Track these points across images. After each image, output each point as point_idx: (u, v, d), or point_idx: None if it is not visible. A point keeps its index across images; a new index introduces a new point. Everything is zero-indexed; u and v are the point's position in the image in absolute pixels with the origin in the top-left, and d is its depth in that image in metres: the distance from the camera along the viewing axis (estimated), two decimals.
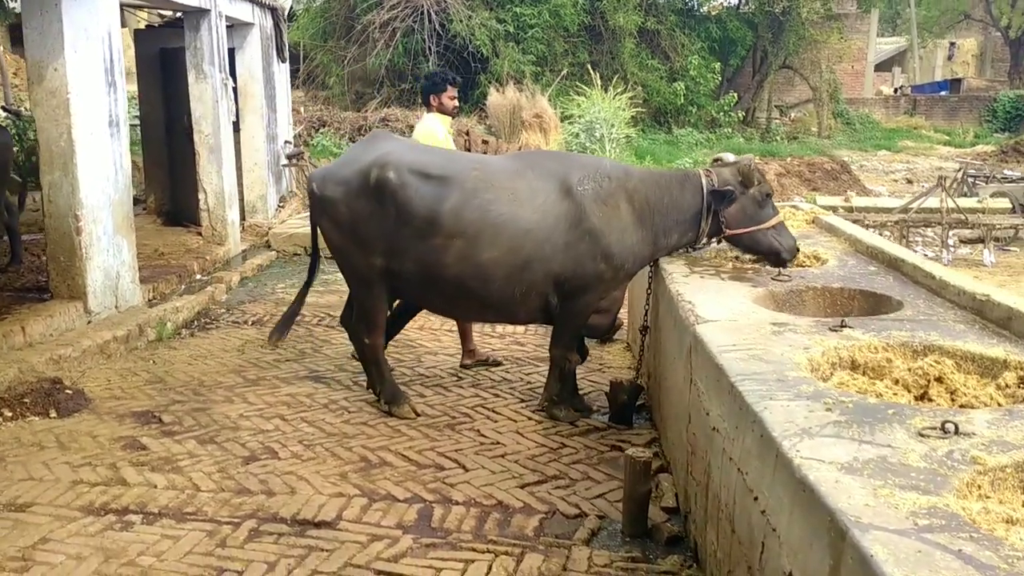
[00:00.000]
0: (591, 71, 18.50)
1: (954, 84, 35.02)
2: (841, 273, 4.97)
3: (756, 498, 2.73)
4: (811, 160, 18.15)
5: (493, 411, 5.61)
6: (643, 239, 5.23)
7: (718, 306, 4.18)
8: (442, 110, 6.37)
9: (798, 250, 5.22)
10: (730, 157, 5.69)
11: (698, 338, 3.74)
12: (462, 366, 6.52)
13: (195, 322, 7.76)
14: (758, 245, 5.25)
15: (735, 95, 25.65)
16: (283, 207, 12.43)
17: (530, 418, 5.49)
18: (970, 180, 15.11)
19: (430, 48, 21.44)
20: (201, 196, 10.01)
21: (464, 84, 22.44)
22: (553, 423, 5.40)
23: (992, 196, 13.37)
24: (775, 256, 5.17)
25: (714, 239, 5.38)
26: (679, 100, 23.35)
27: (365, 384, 5.86)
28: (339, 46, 22.86)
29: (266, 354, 6.81)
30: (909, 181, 19.37)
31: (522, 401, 5.80)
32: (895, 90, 35.28)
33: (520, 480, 4.58)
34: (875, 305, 4.47)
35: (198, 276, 9.14)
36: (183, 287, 8.70)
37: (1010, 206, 12.62)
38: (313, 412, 5.56)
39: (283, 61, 12.53)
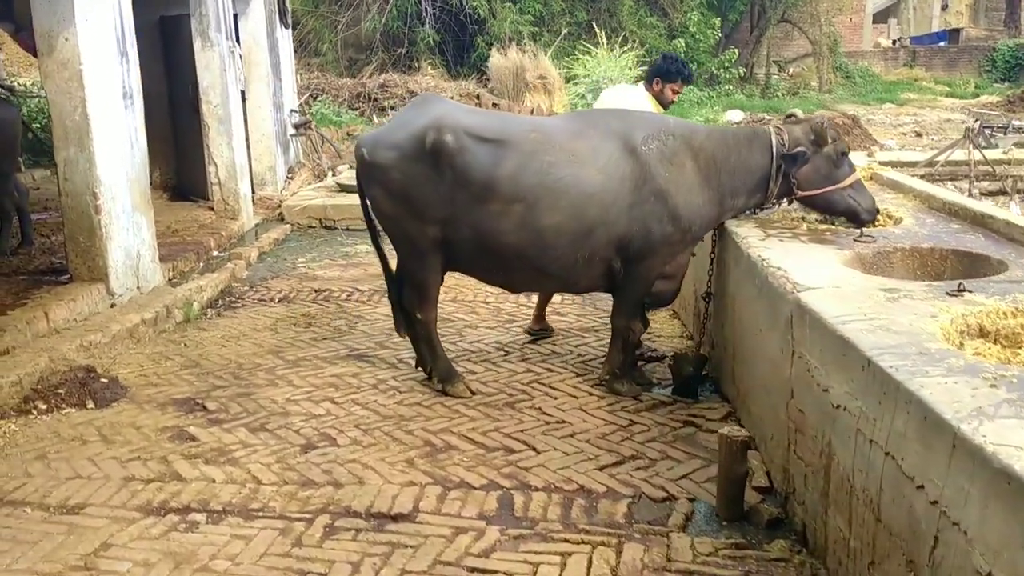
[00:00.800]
0: (596, 29, 18.06)
1: (952, 34, 34.58)
2: (924, 232, 4.70)
3: (921, 486, 2.47)
4: (835, 114, 17.77)
5: (550, 387, 5.35)
6: (710, 200, 4.96)
7: (811, 271, 3.91)
8: (660, 98, 5.94)
9: (878, 210, 4.95)
10: (800, 114, 5.38)
11: (804, 307, 3.47)
12: (527, 331, 6.32)
13: (219, 301, 7.45)
14: (834, 206, 4.98)
15: (735, 51, 25.23)
16: (292, 178, 12.06)
17: (591, 393, 5.23)
18: (987, 132, 14.80)
19: (426, 11, 20.95)
20: (211, 169, 9.65)
21: (460, 46, 22.15)
22: (616, 398, 5.15)
23: (1015, 146, 13.07)
24: (854, 216, 4.91)
25: (784, 200, 5.10)
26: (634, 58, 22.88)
27: (413, 362, 5.58)
28: (331, 11, 22.31)
29: (301, 332, 6.52)
30: (918, 134, 19.05)
31: (578, 375, 5.53)
32: (893, 42, 34.84)
33: (596, 462, 4.32)
34: (972, 266, 4.20)
35: (215, 253, 8.81)
36: (201, 264, 8.37)
37: None
38: (363, 393, 5.28)
39: (286, 27, 12.11)
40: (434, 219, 4.86)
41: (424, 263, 5.05)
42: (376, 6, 20.94)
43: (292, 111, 12.43)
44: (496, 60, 17.36)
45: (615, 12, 23.11)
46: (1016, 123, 15.54)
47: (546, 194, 4.78)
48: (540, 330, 6.32)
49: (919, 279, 4.23)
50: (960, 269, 4.25)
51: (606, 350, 5.96)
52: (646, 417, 4.89)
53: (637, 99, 5.91)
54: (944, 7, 45.12)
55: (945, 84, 28.50)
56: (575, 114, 5.67)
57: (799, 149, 4.90)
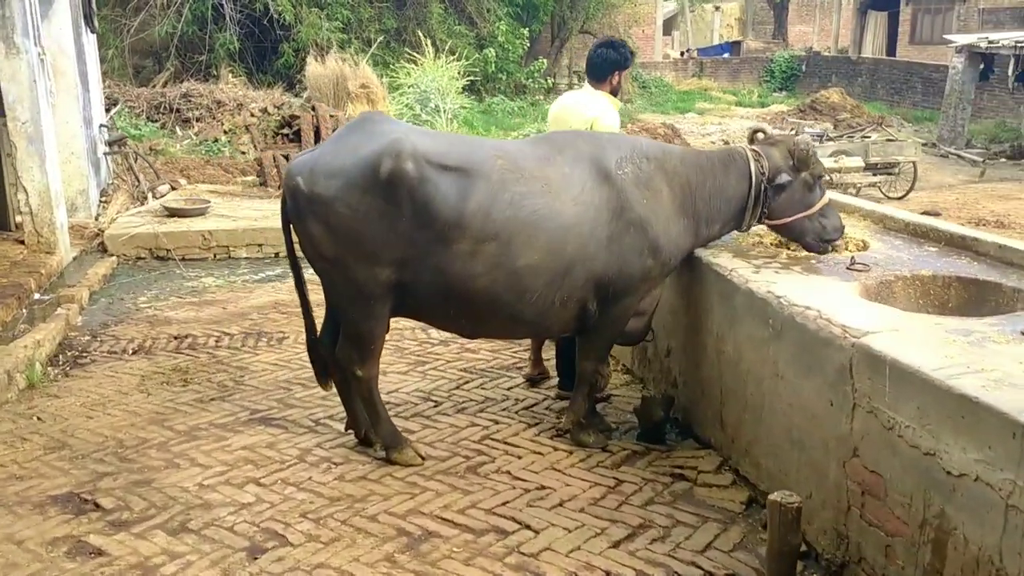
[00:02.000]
0: (420, 37, 17.46)
1: (735, 46, 36.62)
2: (904, 257, 4.47)
3: None
4: (644, 125, 18.06)
5: (507, 443, 4.73)
6: (686, 228, 4.50)
7: (844, 310, 3.53)
8: (615, 91, 5.23)
9: (843, 231, 4.68)
10: (769, 130, 5.01)
11: (879, 356, 3.07)
12: (527, 378, 5.66)
13: (60, 357, 6.23)
14: (804, 233, 4.63)
15: (544, 61, 25.36)
16: (107, 203, 10.64)
17: (556, 448, 4.66)
18: None
19: (226, 15, 19.52)
20: (21, 197, 8.23)
21: (263, 53, 20.84)
22: (586, 452, 4.61)
23: (832, 155, 13.68)
24: (819, 243, 4.61)
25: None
26: (490, 67, 22.69)
27: (343, 425, 4.79)
28: (116, 14, 20.33)
29: (179, 393, 5.51)
30: (725, 142, 19.79)
31: (530, 426, 4.94)
32: (681, 53, 36.43)
33: (607, 537, 3.76)
34: (980, 294, 4.00)
35: (36, 295, 7.48)
36: (24, 312, 7.05)
37: (862, 164, 12.95)
38: (291, 470, 4.43)
39: (92, 31, 10.67)
40: (388, 261, 4.12)
41: (370, 311, 4.28)
42: (172, 9, 19.28)
43: (102, 126, 10.99)
44: (314, 69, 16.32)
45: (424, 20, 22.59)
46: (833, 132, 16.37)
47: (521, 230, 4.16)
48: (539, 374, 5.66)
49: (922, 309, 3.98)
50: (967, 297, 4.03)
51: (541, 392, 5.46)
52: (629, 473, 4.37)
53: (601, 105, 5.19)
54: (716, 21, 47.85)
55: (732, 93, 30.03)
56: (538, 138, 5.00)
57: (783, 179, 4.54)
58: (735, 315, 4.16)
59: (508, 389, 5.54)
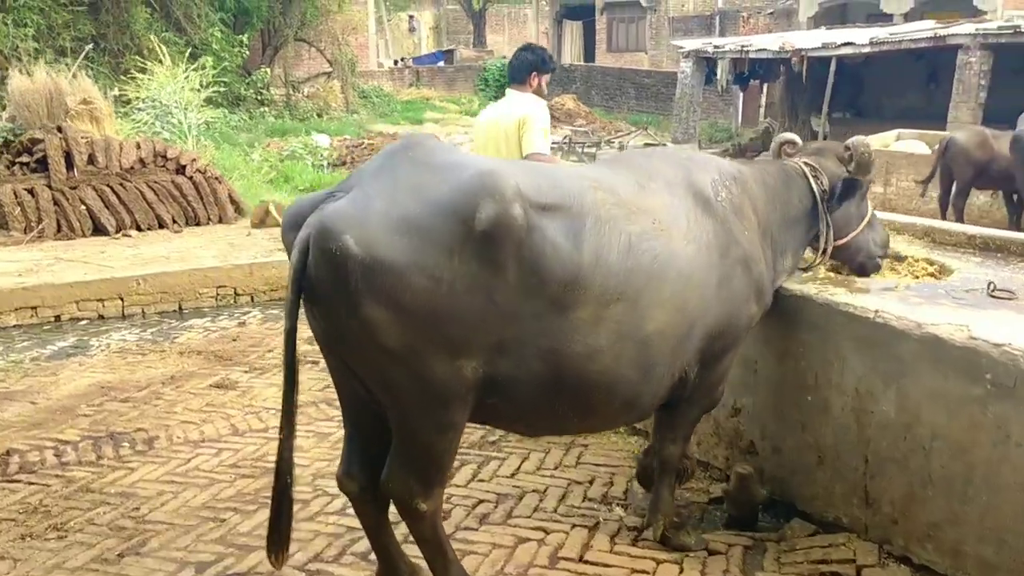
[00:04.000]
0: (157, 46, 15.15)
1: (448, 55, 36.39)
2: (1006, 276, 3.90)
3: None
4: (395, 135, 16.91)
5: (587, 562, 3.57)
6: (768, 263, 3.64)
7: None
8: (540, 94, 5.04)
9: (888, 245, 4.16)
10: (796, 139, 4.20)
11: None
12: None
13: None
14: (859, 251, 4.05)
15: (267, 71, 23.43)
16: None
17: (654, 559, 3.58)
18: (578, 148, 15.27)
19: None
20: None
21: None
22: (690, 557, 3.58)
23: None
24: (872, 262, 4.08)
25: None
26: (207, 78, 20.45)
27: None
28: None
29: (60, 552, 3.73)
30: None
31: (591, 529, 3.82)
32: (395, 62, 35.56)
33: None
34: None
35: None
36: None
37: None
38: None
39: None
40: (481, 348, 2.82)
41: (447, 421, 2.92)
42: None
43: None
44: (19, 83, 13.44)
45: (126, 26, 19.90)
46: (608, 139, 16.29)
47: (647, 284, 3.04)
48: None
49: None
50: None
51: (565, 474, 4.37)
52: None
53: (529, 102, 4.94)
54: (412, 30, 47.75)
55: (452, 102, 29.68)
56: (610, 161, 3.83)
57: (847, 189, 3.81)
58: (901, 368, 3.33)
59: (532, 473, 4.36)
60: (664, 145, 15.72)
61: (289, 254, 2.78)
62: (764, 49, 18.80)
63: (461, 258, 2.70)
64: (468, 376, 2.83)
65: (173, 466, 4.60)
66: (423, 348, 2.76)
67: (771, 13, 30.62)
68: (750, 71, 20.43)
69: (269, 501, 3.00)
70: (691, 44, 21.48)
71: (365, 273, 2.64)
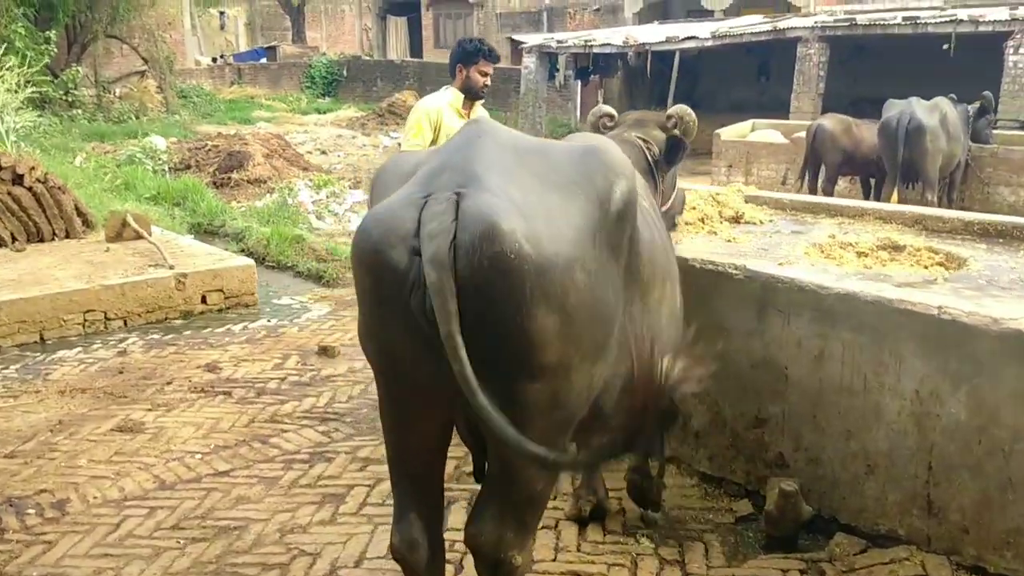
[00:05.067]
0: None
1: (270, 52, 34.73)
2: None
3: None
4: (263, 135, 15.80)
5: None
6: None
7: None
8: (466, 87, 4.90)
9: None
10: (611, 111, 4.02)
11: None
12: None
13: None
14: (673, 216, 4.14)
15: (78, 69, 21.48)
16: None
17: None
18: None
19: None
20: None
21: None
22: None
23: None
24: (673, 225, 4.14)
25: None
26: (25, 76, 18.50)
27: None
28: None
29: None
30: (323, 152, 18.36)
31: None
32: (213, 59, 33.57)
33: None
34: None
35: None
36: None
37: None
38: None
39: None
40: (610, 346, 2.57)
41: (561, 448, 2.55)
42: None
43: None
44: None
45: None
46: None
47: (661, 261, 3.12)
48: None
49: None
50: None
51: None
52: None
53: (425, 100, 5.08)
54: (222, 26, 45.58)
55: (279, 100, 28.33)
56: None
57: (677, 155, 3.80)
58: (975, 367, 3.10)
59: None
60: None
61: (376, 274, 2.32)
62: (608, 44, 18.92)
63: (597, 245, 2.44)
64: (595, 388, 2.52)
65: (101, 535, 3.82)
66: (572, 358, 2.38)
67: (597, 9, 31.14)
68: (593, 66, 20.53)
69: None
70: (533, 39, 21.39)
71: (539, 276, 2.25)
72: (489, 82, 4.93)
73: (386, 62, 31.54)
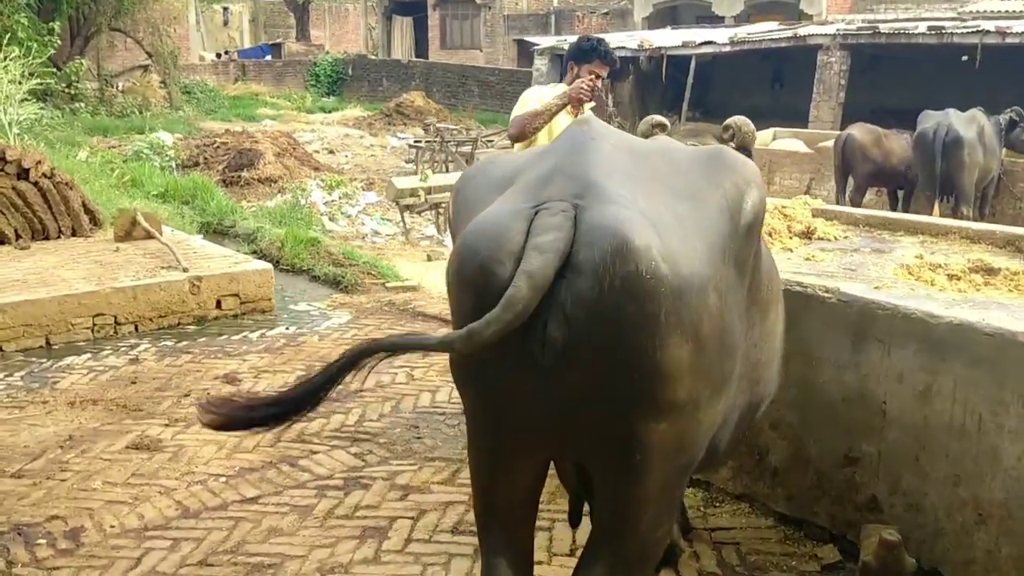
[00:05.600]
0: None
1: (275, 49, 34.40)
2: None
3: None
4: (273, 133, 15.41)
5: None
6: None
7: None
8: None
9: None
10: (664, 121, 3.87)
11: None
12: None
13: None
14: None
15: (82, 62, 21.10)
16: None
17: None
18: (451, 146, 14.44)
19: None
20: None
21: None
22: None
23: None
24: None
25: None
26: (28, 67, 18.14)
27: None
28: None
29: None
30: (331, 152, 18.01)
31: None
32: (217, 55, 33.21)
33: None
34: None
35: None
36: None
37: None
38: None
39: None
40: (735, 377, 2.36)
41: (682, 491, 2.41)
42: None
43: None
44: None
45: None
46: (488, 137, 15.48)
47: None
48: None
49: None
50: None
51: None
52: None
53: (539, 90, 4.75)
54: (225, 23, 45.23)
55: (284, 98, 27.99)
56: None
57: None
58: None
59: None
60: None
61: (482, 295, 1.99)
62: (622, 47, 18.59)
63: (727, 262, 2.18)
64: (716, 426, 2.27)
65: (121, 571, 3.46)
66: (702, 393, 2.09)
67: (606, 13, 30.88)
68: None
69: None
70: (545, 41, 21.07)
71: (675, 300, 1.96)
72: (600, 85, 4.62)
73: (392, 62, 31.19)
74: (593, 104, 4.67)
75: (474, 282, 2.00)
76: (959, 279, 3.80)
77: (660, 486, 2.08)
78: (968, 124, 9.43)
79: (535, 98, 4.55)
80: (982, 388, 3.05)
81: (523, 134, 4.51)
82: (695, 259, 2.02)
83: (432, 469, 4.34)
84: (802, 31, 16.22)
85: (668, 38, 18.59)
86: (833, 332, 3.39)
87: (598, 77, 4.52)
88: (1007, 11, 17.98)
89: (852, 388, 3.37)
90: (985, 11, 18.04)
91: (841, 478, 3.48)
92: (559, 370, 1.95)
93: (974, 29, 13.91)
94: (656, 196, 2.10)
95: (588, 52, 4.56)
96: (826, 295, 3.40)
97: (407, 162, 16.74)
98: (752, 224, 2.27)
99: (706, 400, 2.09)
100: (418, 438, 4.74)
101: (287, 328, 6.78)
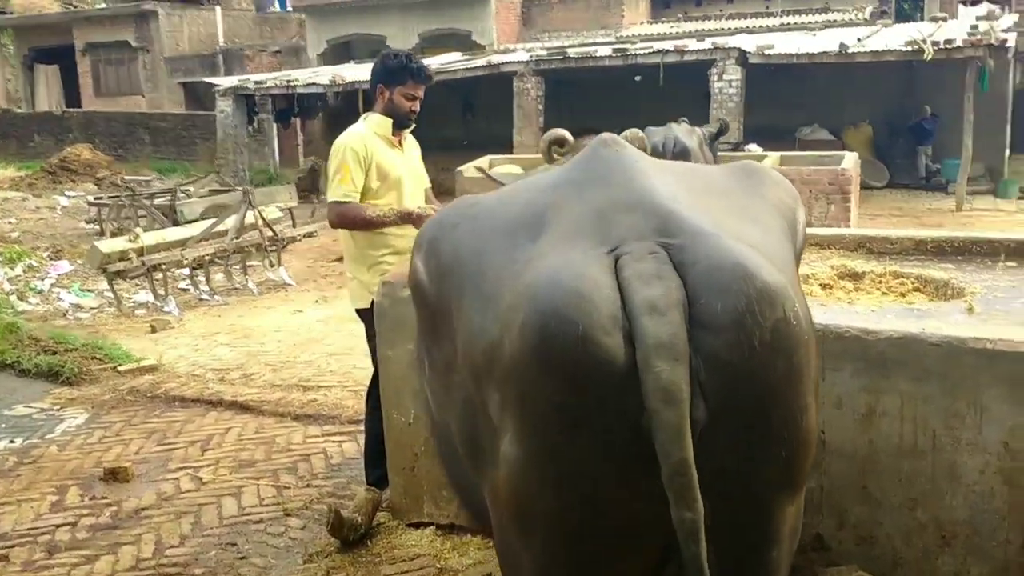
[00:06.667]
0: None
1: None
2: None
3: None
4: None
5: None
6: None
7: None
8: (390, 111, 3.92)
9: None
10: (566, 135, 3.72)
11: None
12: None
13: None
14: None
15: None
16: None
17: None
18: (144, 200, 12.96)
19: None
20: None
21: None
22: None
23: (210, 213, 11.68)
24: None
25: None
26: None
27: None
28: None
29: None
30: None
31: None
32: None
33: None
34: None
35: None
36: None
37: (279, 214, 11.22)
38: None
39: None
40: None
41: None
42: None
43: None
44: None
45: None
46: (184, 185, 13.98)
47: None
48: None
49: None
50: None
51: None
52: None
53: (345, 137, 3.94)
54: None
55: None
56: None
57: None
58: None
59: None
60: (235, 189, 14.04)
61: (584, 378, 1.48)
62: (314, 83, 17.91)
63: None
64: None
65: None
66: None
67: (277, 51, 29.87)
68: (298, 107, 19.37)
69: None
70: (227, 81, 19.80)
71: (809, 348, 1.61)
72: (418, 107, 3.96)
73: (42, 114, 28.00)
74: (413, 126, 4.07)
75: (573, 361, 1.41)
76: (831, 287, 3.67)
77: (777, 545, 1.65)
78: (689, 135, 9.90)
79: (351, 150, 3.83)
80: (933, 402, 2.87)
81: (344, 226, 3.86)
82: (800, 295, 1.62)
83: None
84: (495, 59, 16.48)
85: (360, 73, 18.15)
86: None
87: (415, 99, 3.93)
88: (658, 33, 19.57)
89: None
90: (639, 35, 19.47)
91: None
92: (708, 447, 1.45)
93: (656, 50, 14.84)
94: (741, 223, 1.64)
95: (398, 72, 3.92)
96: None
97: (88, 222, 14.90)
98: (803, 245, 2.00)
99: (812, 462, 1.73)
100: (241, 558, 3.84)
101: (11, 441, 5.43)
